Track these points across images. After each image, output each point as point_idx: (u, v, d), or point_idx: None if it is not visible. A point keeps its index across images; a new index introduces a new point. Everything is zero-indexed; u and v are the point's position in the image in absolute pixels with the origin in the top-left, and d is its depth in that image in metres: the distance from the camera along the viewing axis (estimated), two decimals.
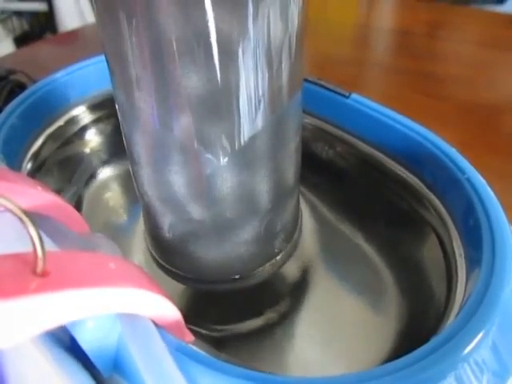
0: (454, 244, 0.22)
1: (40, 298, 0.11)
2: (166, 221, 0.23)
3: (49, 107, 0.30)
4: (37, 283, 0.11)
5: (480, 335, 0.16)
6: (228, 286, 0.25)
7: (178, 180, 0.21)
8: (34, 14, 1.53)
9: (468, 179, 0.22)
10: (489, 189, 0.21)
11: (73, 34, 0.78)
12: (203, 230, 0.22)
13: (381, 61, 0.61)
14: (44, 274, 0.11)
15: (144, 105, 0.19)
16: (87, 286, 0.12)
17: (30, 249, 0.12)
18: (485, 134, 0.44)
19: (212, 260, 0.24)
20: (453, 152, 0.23)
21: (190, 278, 0.25)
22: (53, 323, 0.12)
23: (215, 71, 0.17)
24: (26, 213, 0.11)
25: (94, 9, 0.19)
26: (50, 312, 0.11)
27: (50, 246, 0.16)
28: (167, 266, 0.25)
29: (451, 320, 0.19)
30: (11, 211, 0.11)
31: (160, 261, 0.26)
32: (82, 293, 0.12)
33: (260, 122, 0.19)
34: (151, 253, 0.26)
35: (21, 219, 0.11)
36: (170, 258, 0.25)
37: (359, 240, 0.28)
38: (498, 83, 0.54)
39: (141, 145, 0.21)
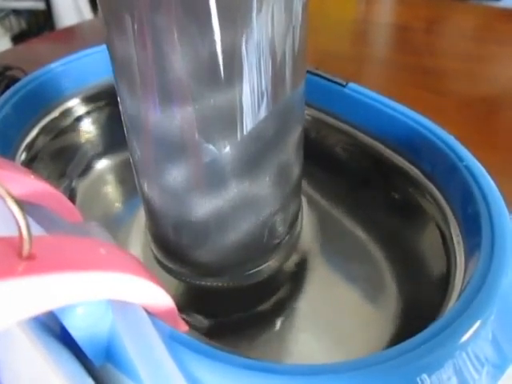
0: (453, 232, 0.22)
1: (26, 281, 0.11)
2: (166, 216, 0.23)
3: (43, 98, 0.30)
4: (23, 266, 0.11)
5: (478, 323, 0.16)
6: (228, 281, 0.24)
7: (179, 175, 0.20)
8: (31, 13, 1.53)
9: (466, 166, 0.21)
10: (488, 176, 0.21)
11: (70, 31, 0.77)
12: (204, 227, 0.22)
13: (379, 56, 0.61)
14: (30, 258, 0.11)
15: (146, 96, 0.19)
16: (76, 270, 0.12)
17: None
18: (484, 128, 0.44)
19: (211, 257, 0.23)
20: (451, 139, 0.23)
21: (187, 273, 0.24)
22: (41, 308, 0.11)
23: (218, 62, 0.17)
24: (12, 195, 0.11)
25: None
26: (37, 296, 0.11)
27: (40, 232, 0.16)
28: (166, 262, 0.25)
29: (449, 308, 0.18)
30: None
31: (159, 257, 0.25)
32: (70, 277, 0.12)
33: (263, 114, 0.19)
34: (150, 248, 0.26)
35: (4, 199, 0.11)
36: (170, 254, 0.25)
37: (357, 230, 0.28)
38: (497, 78, 0.54)
39: (142, 136, 0.21)
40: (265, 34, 0.17)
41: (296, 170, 0.24)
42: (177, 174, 0.20)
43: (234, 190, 0.21)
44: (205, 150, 0.19)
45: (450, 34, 0.64)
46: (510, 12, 0.67)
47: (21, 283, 0.10)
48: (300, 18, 0.19)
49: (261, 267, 0.24)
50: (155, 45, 0.17)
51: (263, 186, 0.21)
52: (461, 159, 0.22)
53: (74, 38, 0.72)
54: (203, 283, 0.24)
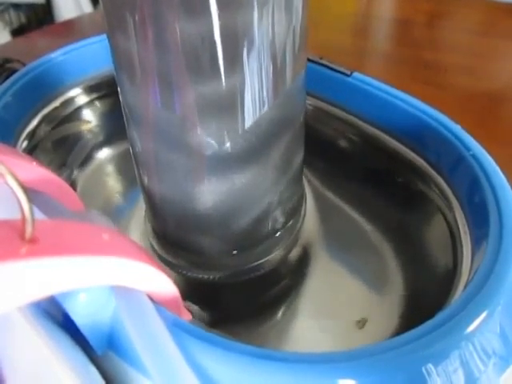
0: (459, 222, 0.21)
1: (29, 263, 0.10)
2: (166, 208, 0.22)
3: (44, 87, 0.29)
4: (26, 249, 0.11)
5: (484, 314, 0.16)
6: (229, 275, 0.24)
7: (180, 165, 0.20)
8: (31, 7, 1.52)
9: (473, 156, 0.21)
10: (495, 165, 0.21)
11: (69, 24, 0.77)
12: (205, 217, 0.22)
13: (381, 50, 0.61)
14: (33, 241, 0.11)
15: (146, 85, 0.18)
16: (79, 255, 0.12)
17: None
18: (486, 122, 0.44)
19: (213, 249, 0.23)
20: (457, 129, 0.23)
21: (187, 267, 0.24)
22: (43, 292, 0.11)
23: (218, 53, 0.17)
24: (15, 176, 0.11)
25: None
26: (40, 279, 0.11)
27: (42, 218, 0.15)
28: (166, 255, 0.25)
29: (456, 298, 0.18)
30: None
31: (158, 249, 0.25)
32: (73, 261, 0.11)
33: (263, 104, 0.19)
34: (149, 241, 0.26)
35: (6, 180, 0.11)
36: (170, 247, 0.25)
37: (362, 220, 0.28)
38: (499, 72, 0.54)
39: (143, 128, 0.20)
40: (265, 23, 0.17)
41: (297, 159, 0.23)
42: (177, 165, 0.20)
43: (234, 179, 0.21)
44: (205, 140, 0.19)
45: (452, 28, 0.64)
46: (511, 6, 0.66)
47: (23, 266, 0.10)
48: (300, 10, 0.19)
49: (264, 259, 0.24)
50: (156, 35, 0.17)
51: (264, 175, 0.21)
52: (468, 148, 0.22)
53: (73, 32, 0.72)
54: (205, 277, 0.24)
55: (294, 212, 0.25)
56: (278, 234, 0.24)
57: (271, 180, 0.22)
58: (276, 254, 0.25)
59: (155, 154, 0.21)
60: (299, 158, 0.24)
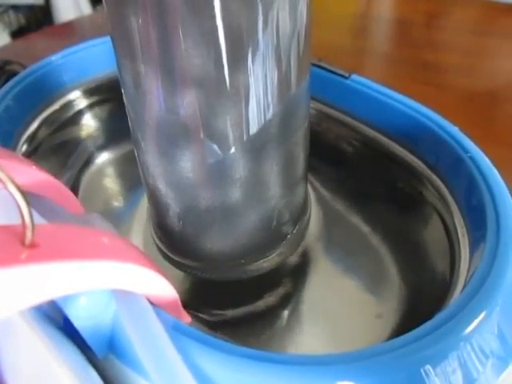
0: (457, 224, 0.21)
1: (29, 268, 0.10)
2: (172, 208, 0.22)
3: (44, 90, 0.29)
4: (26, 254, 0.11)
5: (482, 315, 0.16)
6: (233, 274, 0.24)
7: (185, 166, 0.20)
8: (30, 8, 1.52)
9: (471, 158, 0.21)
10: (493, 167, 0.21)
11: (69, 26, 0.77)
12: (210, 218, 0.22)
13: (380, 50, 0.61)
14: (33, 246, 0.11)
15: (150, 87, 0.18)
16: (79, 259, 0.12)
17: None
18: (485, 122, 0.44)
19: (218, 249, 0.23)
20: (455, 131, 0.23)
21: (193, 266, 0.24)
22: (44, 296, 0.11)
23: (222, 59, 0.17)
24: (14, 182, 0.11)
25: None
26: (40, 284, 0.11)
27: (43, 222, 0.15)
28: (171, 254, 0.25)
29: (454, 299, 0.18)
30: None
31: (163, 249, 0.25)
32: (73, 265, 0.11)
33: (268, 110, 0.19)
34: (154, 241, 0.26)
35: (6, 186, 0.11)
36: (175, 247, 0.25)
37: (361, 222, 0.28)
38: (498, 71, 0.54)
39: (147, 130, 0.20)
40: (270, 26, 0.17)
41: (302, 162, 0.23)
42: (182, 164, 0.20)
43: (238, 182, 0.21)
44: (209, 144, 0.19)
45: (451, 28, 0.64)
46: (510, 6, 0.66)
47: (24, 271, 0.10)
48: (304, 14, 0.19)
49: (266, 260, 0.24)
50: (159, 34, 0.17)
51: (269, 178, 0.21)
52: (465, 150, 0.22)
53: (72, 33, 0.72)
54: (208, 276, 0.24)
55: (299, 212, 0.25)
56: (282, 235, 0.24)
57: (276, 180, 0.22)
58: (279, 256, 0.25)
59: (159, 155, 0.21)
60: (304, 161, 0.24)
